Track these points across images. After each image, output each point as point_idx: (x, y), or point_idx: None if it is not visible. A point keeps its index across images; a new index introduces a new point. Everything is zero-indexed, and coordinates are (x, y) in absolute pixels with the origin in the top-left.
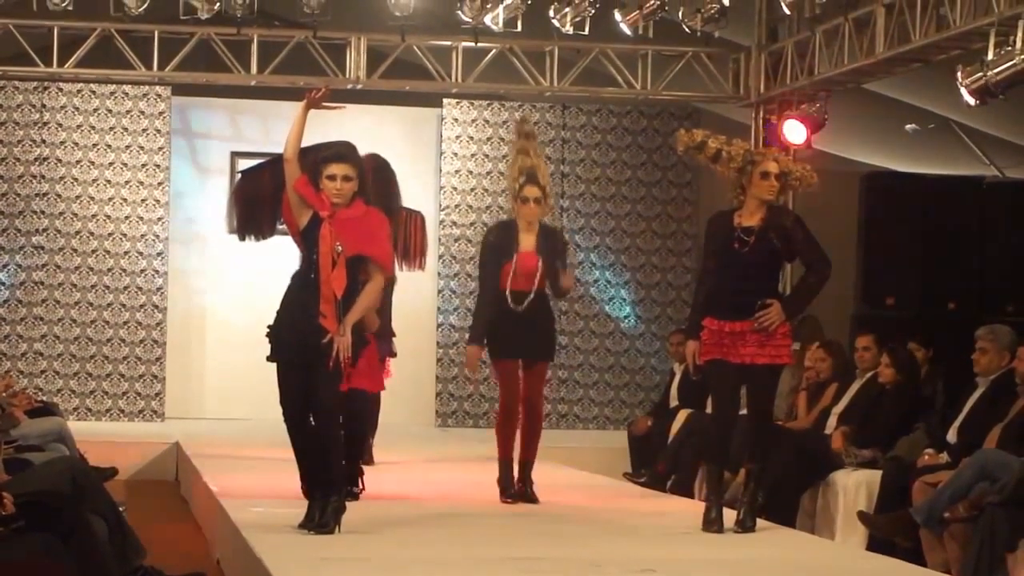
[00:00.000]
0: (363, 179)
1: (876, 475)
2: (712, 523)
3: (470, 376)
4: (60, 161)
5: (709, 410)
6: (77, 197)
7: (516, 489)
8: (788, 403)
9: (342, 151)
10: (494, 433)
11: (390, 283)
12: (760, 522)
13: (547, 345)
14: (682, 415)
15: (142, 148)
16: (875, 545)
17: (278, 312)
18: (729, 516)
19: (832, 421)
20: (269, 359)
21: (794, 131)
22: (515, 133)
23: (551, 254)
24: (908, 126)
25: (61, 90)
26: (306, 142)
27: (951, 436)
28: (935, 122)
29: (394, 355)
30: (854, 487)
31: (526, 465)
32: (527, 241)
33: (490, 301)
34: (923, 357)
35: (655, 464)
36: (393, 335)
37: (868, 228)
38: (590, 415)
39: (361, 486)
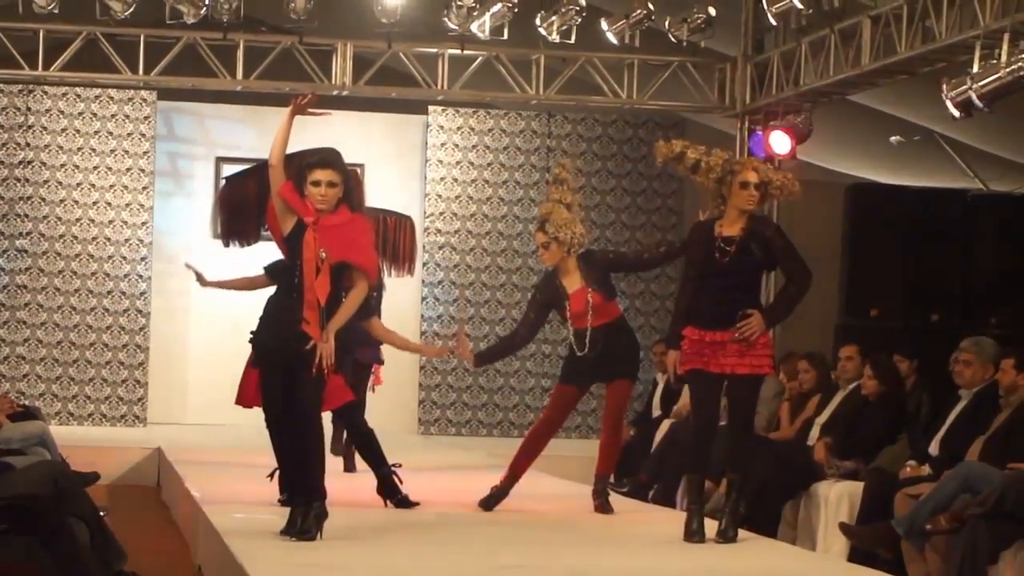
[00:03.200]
0: (348, 186)
1: (858, 486)
2: (694, 533)
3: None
4: (44, 164)
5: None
6: (61, 201)
7: (491, 506)
8: (769, 411)
9: (327, 157)
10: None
11: (379, 289)
12: (742, 532)
13: (619, 366)
14: (665, 425)
15: (127, 152)
16: (857, 556)
17: (261, 318)
18: (711, 526)
19: (815, 432)
20: (252, 364)
21: (779, 142)
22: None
23: (598, 278)
24: (893, 138)
25: (46, 93)
26: (291, 148)
27: (933, 448)
28: (919, 134)
29: (381, 362)
30: (836, 498)
31: (601, 479)
32: (571, 282)
33: (509, 344)
34: (908, 369)
35: (637, 474)
36: (380, 342)
37: (852, 239)
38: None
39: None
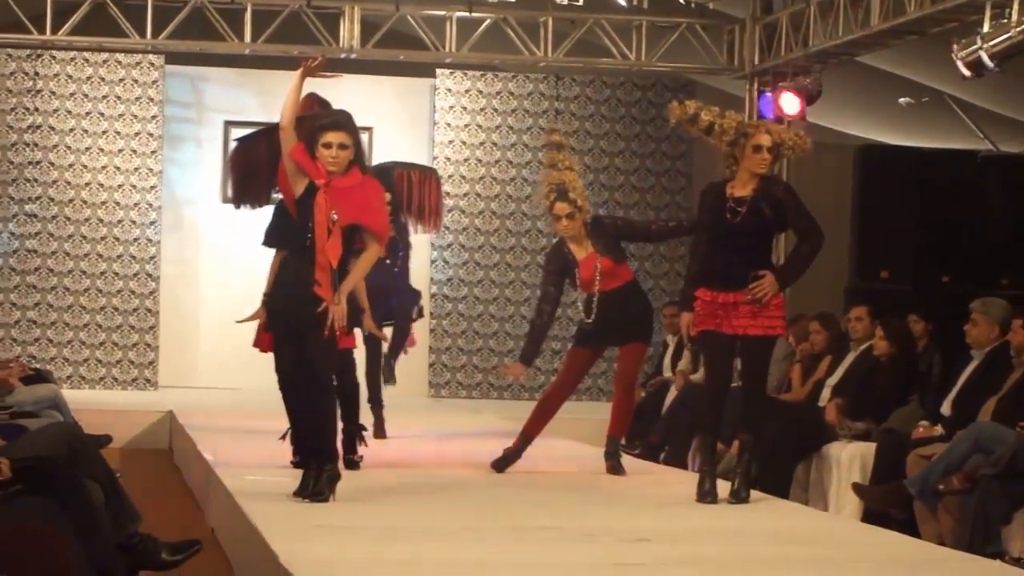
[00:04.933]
0: (359, 148)
1: (870, 447)
2: (706, 494)
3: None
4: (53, 129)
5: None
6: (70, 165)
7: (504, 466)
8: (779, 373)
9: (339, 119)
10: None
11: (404, 249)
12: (754, 493)
13: (632, 329)
14: (676, 386)
15: (135, 117)
16: (869, 517)
17: (273, 280)
18: (723, 487)
19: (826, 393)
20: (264, 328)
21: (788, 103)
22: (545, 144)
23: (607, 244)
24: (902, 99)
25: (54, 58)
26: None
27: (945, 409)
28: (929, 95)
29: (420, 316)
30: (848, 459)
31: (613, 441)
32: (580, 249)
33: (541, 326)
34: (922, 330)
35: (648, 435)
36: (419, 296)
37: (862, 201)
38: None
39: (363, 448)
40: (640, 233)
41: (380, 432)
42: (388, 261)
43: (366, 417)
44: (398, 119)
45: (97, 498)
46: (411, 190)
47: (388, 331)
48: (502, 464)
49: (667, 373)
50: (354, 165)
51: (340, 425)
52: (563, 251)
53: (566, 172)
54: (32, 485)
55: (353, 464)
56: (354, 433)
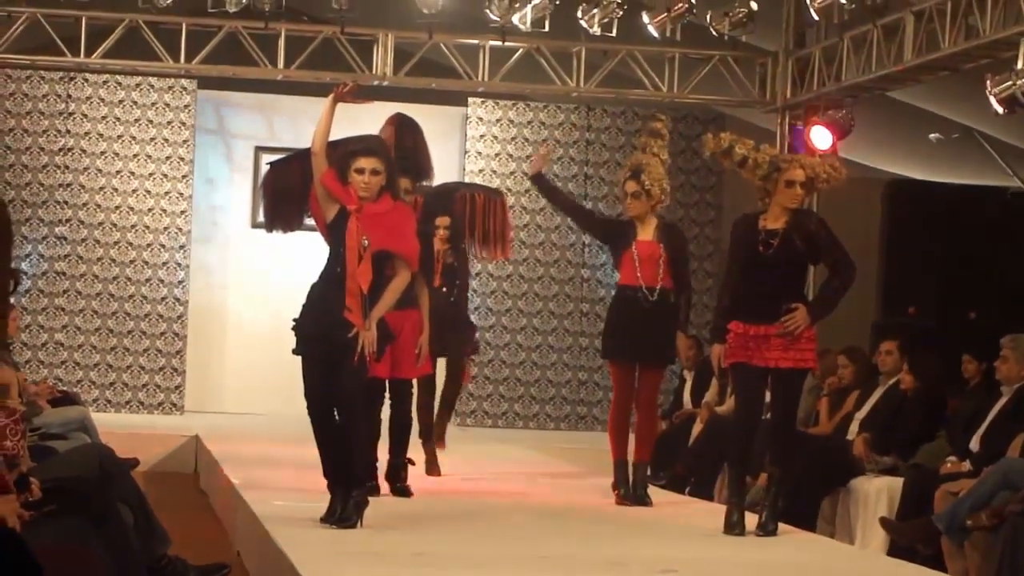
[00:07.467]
0: (391, 174)
1: (897, 482)
2: (734, 526)
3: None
4: (84, 152)
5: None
6: (101, 188)
7: (628, 492)
8: (806, 406)
9: (371, 145)
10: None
11: (462, 277)
12: (781, 526)
13: (666, 348)
14: (701, 418)
15: (167, 141)
16: (896, 552)
17: (304, 306)
18: (750, 519)
19: (854, 427)
20: (294, 352)
21: (820, 137)
22: (646, 130)
23: (672, 247)
24: (931, 135)
25: (87, 81)
26: (333, 136)
27: (974, 444)
28: (958, 132)
29: (476, 352)
30: (875, 493)
31: (639, 468)
32: (645, 232)
33: (575, 204)
34: (975, 370)
35: (674, 466)
36: (475, 329)
37: (890, 236)
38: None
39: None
40: (681, 277)
41: (433, 469)
42: (444, 290)
43: (416, 452)
44: (429, 148)
45: (128, 520)
46: (473, 214)
47: (440, 363)
48: (624, 498)
49: (687, 407)
50: (386, 191)
51: (391, 457)
52: (627, 221)
53: (649, 157)
54: (66, 506)
55: (404, 492)
56: (401, 468)
